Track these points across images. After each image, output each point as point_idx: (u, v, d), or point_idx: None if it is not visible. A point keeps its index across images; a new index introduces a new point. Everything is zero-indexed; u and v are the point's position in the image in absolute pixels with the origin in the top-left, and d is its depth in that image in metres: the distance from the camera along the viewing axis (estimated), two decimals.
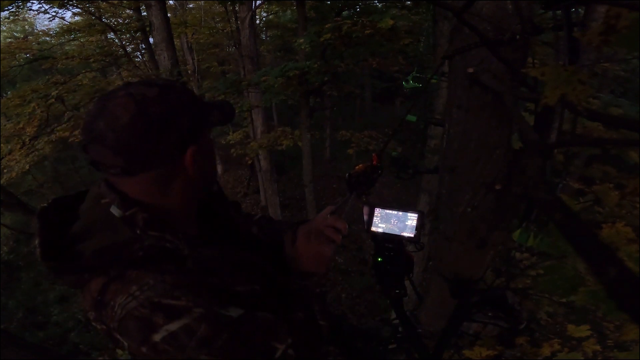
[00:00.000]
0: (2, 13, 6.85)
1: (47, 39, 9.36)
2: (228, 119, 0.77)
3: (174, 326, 0.58)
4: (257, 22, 12.12)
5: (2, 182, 5.99)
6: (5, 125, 6.50)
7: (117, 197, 0.65)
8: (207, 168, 0.74)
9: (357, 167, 1.33)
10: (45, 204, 0.68)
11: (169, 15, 6.38)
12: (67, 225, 0.66)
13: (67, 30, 8.31)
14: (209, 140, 0.75)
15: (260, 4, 10.06)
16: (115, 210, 0.64)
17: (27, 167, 6.60)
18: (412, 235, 1.24)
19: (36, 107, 6.07)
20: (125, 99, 0.62)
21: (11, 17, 7.53)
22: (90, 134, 0.63)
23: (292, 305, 0.77)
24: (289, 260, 0.90)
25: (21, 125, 6.24)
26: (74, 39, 8.85)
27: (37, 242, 0.62)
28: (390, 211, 1.27)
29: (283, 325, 0.69)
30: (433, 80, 3.85)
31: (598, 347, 1.82)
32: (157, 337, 0.58)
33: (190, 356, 0.59)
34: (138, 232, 0.64)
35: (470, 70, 1.40)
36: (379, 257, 1.31)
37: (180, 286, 0.61)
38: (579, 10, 1.71)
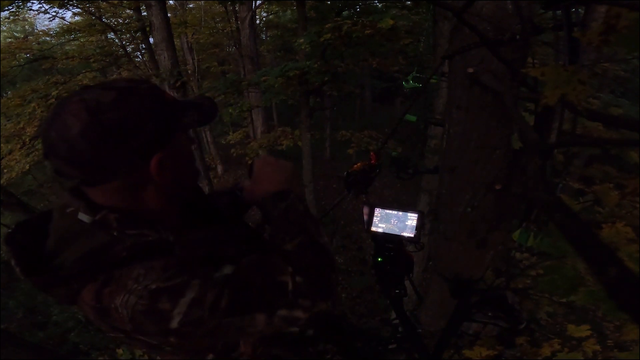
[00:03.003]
0: (2, 13, 6.85)
1: (47, 39, 9.34)
2: (208, 118, 0.71)
3: (182, 307, 0.57)
4: (257, 22, 12.12)
5: (2, 182, 5.99)
6: (5, 125, 6.51)
7: (81, 203, 0.62)
8: (180, 173, 0.69)
9: (355, 166, 1.33)
10: (9, 230, 0.65)
11: (169, 15, 6.38)
12: (38, 245, 0.63)
13: (67, 30, 8.30)
14: (183, 143, 0.69)
15: (260, 4, 10.07)
16: (83, 217, 0.61)
17: (27, 167, 6.59)
18: (412, 235, 1.24)
19: (36, 107, 6.08)
20: (77, 105, 0.58)
21: (11, 17, 7.52)
22: (44, 144, 0.60)
23: (284, 236, 0.73)
24: (255, 198, 0.82)
25: (21, 125, 6.25)
26: (74, 39, 8.84)
27: (13, 262, 0.60)
28: (390, 211, 1.27)
29: (276, 258, 0.67)
30: (433, 80, 3.85)
31: (598, 347, 1.82)
32: (174, 324, 0.58)
33: (212, 325, 0.59)
34: (115, 233, 0.61)
35: (470, 70, 1.40)
36: (379, 257, 1.31)
37: (170, 267, 0.60)
38: (579, 10, 1.71)
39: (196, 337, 0.60)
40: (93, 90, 0.60)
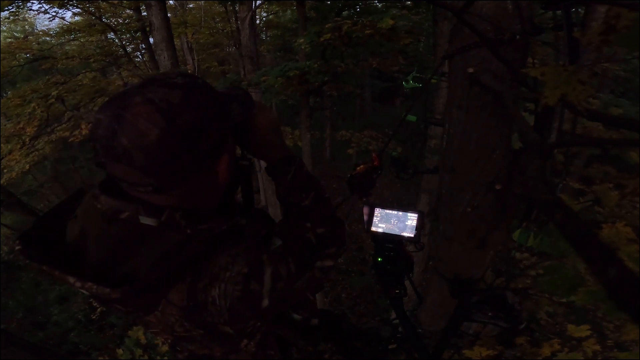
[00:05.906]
0: (2, 13, 6.85)
1: (47, 39, 9.35)
2: (247, 109, 0.67)
3: (268, 284, 0.60)
4: (257, 22, 12.11)
5: (2, 182, 5.99)
6: (5, 125, 6.51)
7: (138, 207, 0.57)
8: (232, 171, 0.68)
9: (358, 169, 1.33)
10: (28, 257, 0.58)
11: (169, 15, 6.37)
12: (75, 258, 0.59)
13: (67, 30, 8.30)
14: (231, 140, 0.66)
15: (260, 4, 10.06)
16: (147, 220, 0.57)
17: (27, 167, 6.60)
18: (412, 235, 1.24)
19: (36, 107, 6.08)
20: (146, 107, 0.52)
21: (11, 17, 7.51)
22: (110, 151, 0.53)
23: (300, 194, 0.76)
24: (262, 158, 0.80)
25: (21, 125, 6.24)
26: (74, 39, 8.85)
27: (77, 284, 0.55)
28: (390, 211, 1.27)
29: (295, 219, 0.74)
30: (433, 80, 3.85)
31: (598, 347, 1.82)
32: (265, 303, 0.61)
33: (294, 292, 0.66)
34: (188, 231, 0.58)
35: (470, 70, 1.40)
36: (379, 257, 1.31)
37: (251, 248, 0.62)
38: (579, 10, 1.71)
39: (278, 309, 0.68)
40: (156, 89, 0.54)
